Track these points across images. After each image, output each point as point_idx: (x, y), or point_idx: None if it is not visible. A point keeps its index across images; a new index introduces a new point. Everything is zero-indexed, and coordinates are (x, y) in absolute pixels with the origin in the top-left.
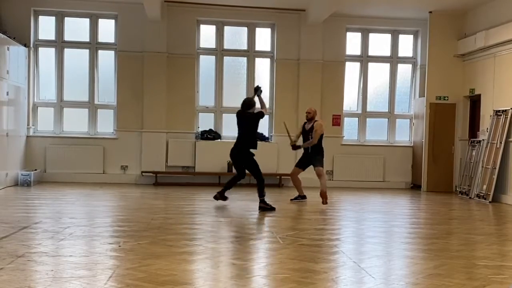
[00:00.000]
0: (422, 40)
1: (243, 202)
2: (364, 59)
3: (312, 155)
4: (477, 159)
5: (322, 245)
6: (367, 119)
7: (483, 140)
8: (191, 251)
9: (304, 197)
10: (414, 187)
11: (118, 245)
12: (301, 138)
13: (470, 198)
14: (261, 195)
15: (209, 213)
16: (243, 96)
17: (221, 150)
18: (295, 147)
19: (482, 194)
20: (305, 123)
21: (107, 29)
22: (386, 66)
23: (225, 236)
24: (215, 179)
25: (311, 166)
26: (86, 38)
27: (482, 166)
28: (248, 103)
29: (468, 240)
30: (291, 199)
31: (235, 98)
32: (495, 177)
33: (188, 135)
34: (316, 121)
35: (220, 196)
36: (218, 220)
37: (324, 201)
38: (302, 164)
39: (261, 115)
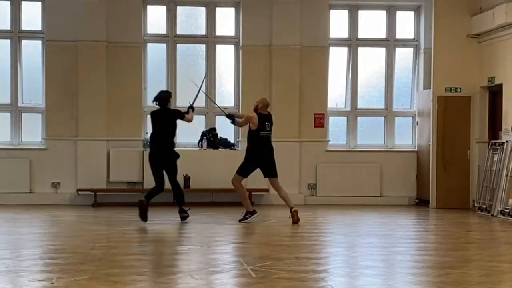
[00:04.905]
0: (426, 18)
1: (204, 225)
2: (353, 42)
3: None
4: (499, 166)
5: (305, 278)
6: (358, 118)
7: (506, 142)
8: None
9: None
10: (420, 202)
11: (50, 282)
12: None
13: (492, 215)
14: (183, 202)
15: (162, 240)
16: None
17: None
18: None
19: (507, 211)
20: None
21: (32, 14)
22: (381, 51)
23: (182, 269)
24: (169, 197)
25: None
26: (6, 25)
27: (507, 175)
28: (166, 97)
29: (492, 270)
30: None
31: (192, 94)
32: None
33: (134, 143)
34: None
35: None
36: (173, 249)
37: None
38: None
39: (179, 114)
